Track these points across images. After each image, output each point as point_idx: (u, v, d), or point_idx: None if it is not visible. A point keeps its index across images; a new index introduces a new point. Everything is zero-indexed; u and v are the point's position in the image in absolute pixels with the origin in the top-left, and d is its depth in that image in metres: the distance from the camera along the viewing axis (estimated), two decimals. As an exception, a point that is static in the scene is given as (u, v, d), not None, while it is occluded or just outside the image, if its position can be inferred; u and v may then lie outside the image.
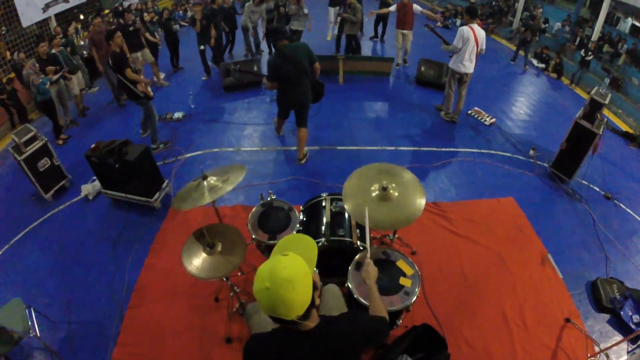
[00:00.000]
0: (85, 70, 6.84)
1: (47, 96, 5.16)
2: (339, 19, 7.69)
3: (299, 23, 7.54)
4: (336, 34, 8.08)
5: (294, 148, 5.13)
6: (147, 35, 6.88)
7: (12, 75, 6.37)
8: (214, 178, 2.56)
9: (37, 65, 5.25)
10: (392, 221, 2.41)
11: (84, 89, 6.30)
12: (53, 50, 5.76)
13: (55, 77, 5.31)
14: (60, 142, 5.44)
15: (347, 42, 7.55)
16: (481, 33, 5.10)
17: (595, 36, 9.11)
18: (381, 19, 8.92)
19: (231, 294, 2.91)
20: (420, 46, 8.48)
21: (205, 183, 2.53)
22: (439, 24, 11.22)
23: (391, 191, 2.45)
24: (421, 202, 2.43)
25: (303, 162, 4.85)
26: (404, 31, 7.22)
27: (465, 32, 4.99)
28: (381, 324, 1.58)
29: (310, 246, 1.46)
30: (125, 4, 10.17)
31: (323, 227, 2.80)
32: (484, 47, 5.17)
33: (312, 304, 1.32)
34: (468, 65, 5.19)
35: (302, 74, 4.14)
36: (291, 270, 1.26)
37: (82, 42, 7.72)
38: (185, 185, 2.67)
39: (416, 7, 6.83)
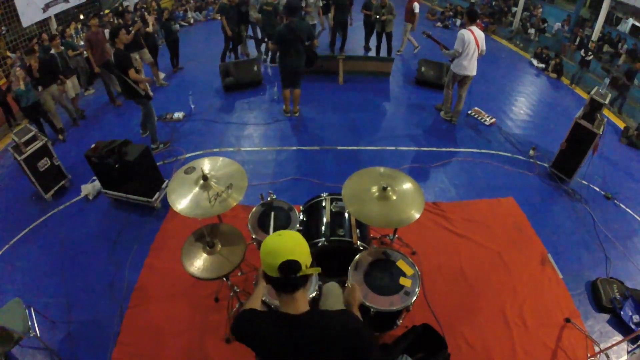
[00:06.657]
0: (88, 71, 6.77)
1: (32, 101, 4.98)
2: (376, 17, 7.51)
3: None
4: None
5: (294, 148, 5.17)
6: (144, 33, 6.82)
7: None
8: (215, 179, 2.56)
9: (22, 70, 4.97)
10: (386, 221, 2.45)
11: (78, 93, 6.22)
12: (52, 51, 5.74)
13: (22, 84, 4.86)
14: (61, 137, 5.42)
15: (387, 39, 7.65)
16: (481, 35, 5.16)
17: (595, 36, 9.10)
18: (340, 24, 8.12)
19: (231, 294, 2.91)
20: (421, 46, 8.49)
21: (209, 189, 2.50)
22: (439, 23, 11.24)
23: (390, 193, 2.47)
24: (415, 214, 2.44)
25: (297, 114, 5.92)
26: (406, 23, 8.10)
27: (465, 36, 5.02)
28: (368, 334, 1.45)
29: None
30: (125, 4, 10.16)
31: (323, 227, 2.80)
32: (484, 48, 5.21)
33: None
34: (470, 67, 5.22)
35: (298, 42, 5.05)
36: (292, 232, 1.42)
37: (82, 42, 7.69)
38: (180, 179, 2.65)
39: (415, 5, 7.58)
